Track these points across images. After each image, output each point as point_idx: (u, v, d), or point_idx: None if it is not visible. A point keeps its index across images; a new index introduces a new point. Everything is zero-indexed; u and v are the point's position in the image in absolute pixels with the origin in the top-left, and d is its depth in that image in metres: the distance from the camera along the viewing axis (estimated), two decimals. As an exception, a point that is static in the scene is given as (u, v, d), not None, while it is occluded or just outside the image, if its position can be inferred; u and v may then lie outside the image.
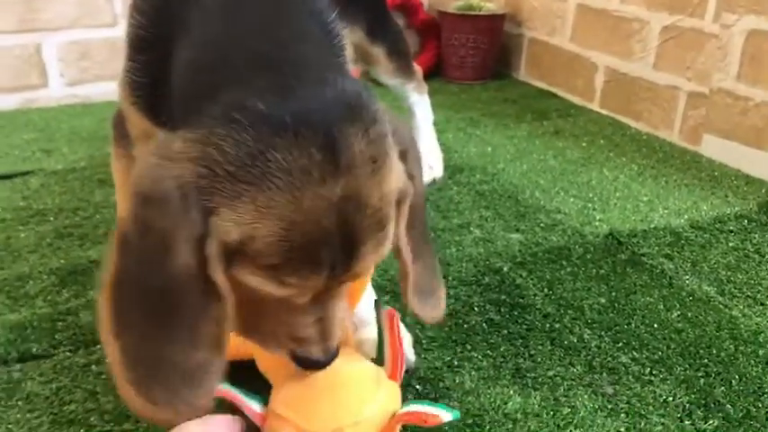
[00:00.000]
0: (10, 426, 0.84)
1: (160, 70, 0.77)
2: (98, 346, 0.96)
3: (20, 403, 0.87)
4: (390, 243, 0.69)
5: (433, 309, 0.85)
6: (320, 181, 0.60)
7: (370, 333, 0.96)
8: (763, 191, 1.55)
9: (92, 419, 0.85)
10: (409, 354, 0.97)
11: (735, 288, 1.17)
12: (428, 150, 1.55)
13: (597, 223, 1.38)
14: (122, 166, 0.98)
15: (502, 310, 1.09)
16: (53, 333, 1.00)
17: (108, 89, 2.05)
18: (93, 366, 0.94)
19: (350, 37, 1.05)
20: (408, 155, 0.73)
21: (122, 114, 0.93)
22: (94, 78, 2.06)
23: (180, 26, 0.75)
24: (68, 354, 0.96)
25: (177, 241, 0.60)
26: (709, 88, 1.71)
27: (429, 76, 2.31)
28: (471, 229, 1.34)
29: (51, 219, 1.33)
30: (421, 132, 1.56)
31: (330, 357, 0.74)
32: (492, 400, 0.91)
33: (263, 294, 0.66)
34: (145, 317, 0.66)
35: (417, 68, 1.54)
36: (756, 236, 1.35)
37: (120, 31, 2.01)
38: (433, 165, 1.54)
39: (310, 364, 0.74)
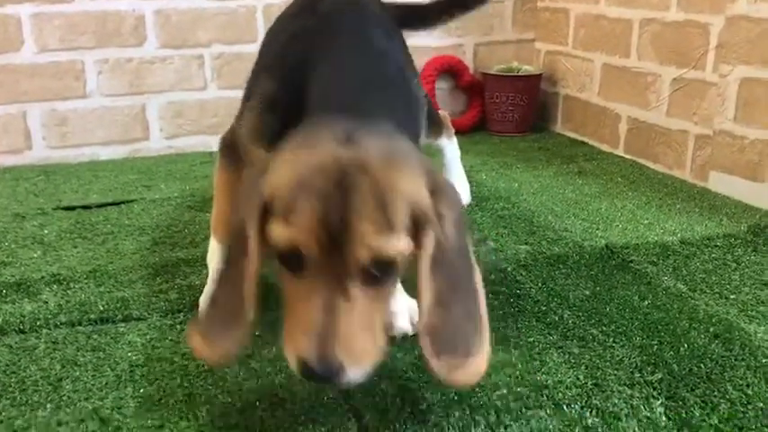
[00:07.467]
0: (116, 360, 1.14)
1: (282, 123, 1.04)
2: (179, 314, 1.27)
3: (124, 346, 1.18)
4: (400, 247, 0.77)
5: (452, 369, 0.80)
6: (333, 146, 0.78)
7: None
8: (757, 216, 1.74)
9: (174, 358, 1.14)
10: (405, 324, 1.18)
11: (706, 287, 1.37)
12: (456, 180, 1.83)
13: (597, 239, 1.60)
14: (226, 176, 1.28)
15: (500, 297, 1.34)
16: (148, 304, 1.31)
17: (197, 141, 2.43)
18: (177, 326, 1.24)
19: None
20: (438, 195, 0.82)
21: (232, 143, 1.25)
22: (187, 133, 2.44)
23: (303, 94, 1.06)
24: (159, 318, 1.27)
25: (242, 206, 0.86)
26: (712, 130, 1.93)
27: (474, 130, 2.62)
28: (487, 242, 1.60)
29: (149, 232, 1.67)
30: (451, 166, 1.84)
31: (328, 370, 0.73)
32: (479, 355, 1.15)
33: (288, 265, 0.79)
34: (225, 267, 0.88)
35: (444, 117, 1.84)
36: (739, 250, 1.54)
37: (209, 95, 2.42)
38: (460, 192, 1.82)
39: (308, 374, 0.74)
